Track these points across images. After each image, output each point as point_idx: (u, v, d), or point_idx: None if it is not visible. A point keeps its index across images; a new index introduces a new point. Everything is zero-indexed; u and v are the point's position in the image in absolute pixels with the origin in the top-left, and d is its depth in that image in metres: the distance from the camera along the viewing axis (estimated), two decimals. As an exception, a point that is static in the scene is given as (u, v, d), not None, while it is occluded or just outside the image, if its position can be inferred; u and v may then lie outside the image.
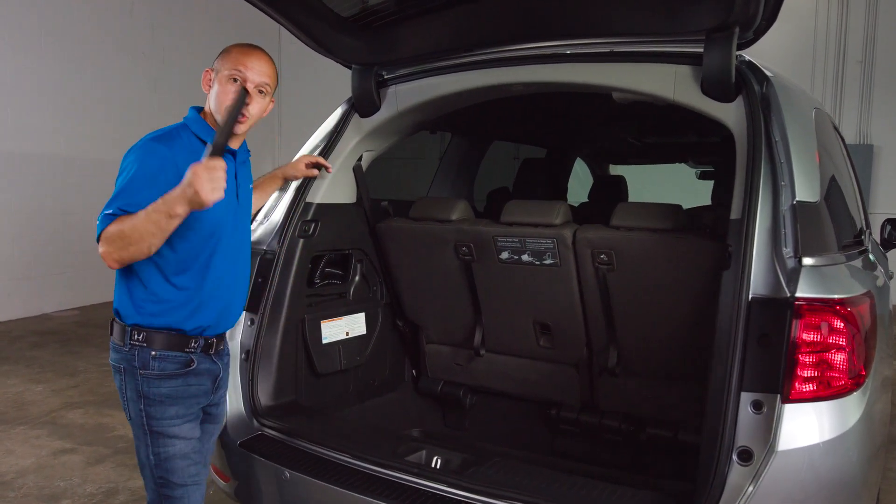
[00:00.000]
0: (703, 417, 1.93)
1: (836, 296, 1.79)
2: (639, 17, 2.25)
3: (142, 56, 8.97)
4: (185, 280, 1.97)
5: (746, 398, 1.78)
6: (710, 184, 4.35)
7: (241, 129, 2.01)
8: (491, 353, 2.96)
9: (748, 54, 2.20)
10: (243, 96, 1.91)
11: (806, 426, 1.75)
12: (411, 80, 2.69)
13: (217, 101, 2.00)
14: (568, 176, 4.95)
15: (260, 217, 2.70)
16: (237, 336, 2.52)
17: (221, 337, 2.13)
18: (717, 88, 2.12)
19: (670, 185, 6.87)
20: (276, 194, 2.69)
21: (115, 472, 3.69)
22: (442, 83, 2.63)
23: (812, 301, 1.76)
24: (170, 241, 1.87)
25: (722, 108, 2.14)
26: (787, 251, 1.83)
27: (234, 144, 2.07)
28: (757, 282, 1.83)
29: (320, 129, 2.83)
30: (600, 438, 2.82)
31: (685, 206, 3.09)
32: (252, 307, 2.51)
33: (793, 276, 1.79)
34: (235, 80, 1.99)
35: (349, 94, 2.79)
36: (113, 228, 1.82)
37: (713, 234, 2.30)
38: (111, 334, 2.03)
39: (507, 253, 2.67)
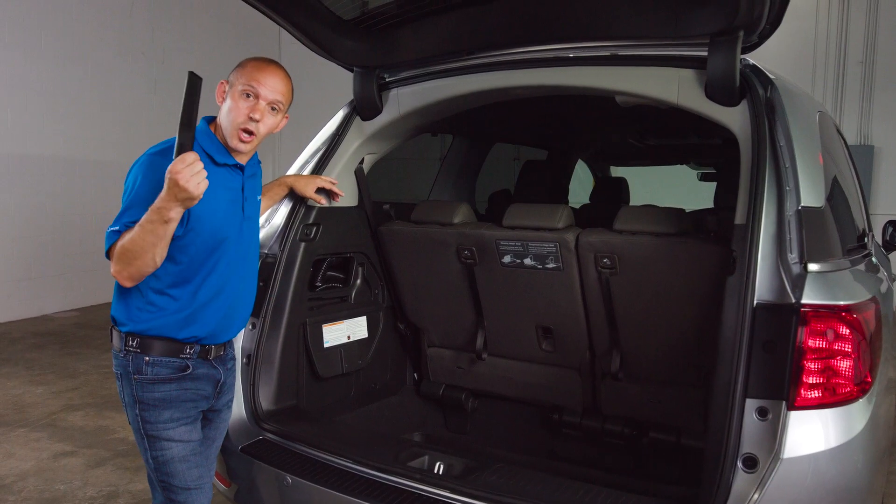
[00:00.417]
0: (707, 424, 1.92)
1: (841, 302, 1.78)
2: (642, 20, 2.24)
3: (141, 57, 8.95)
4: (180, 291, 1.97)
5: (751, 405, 1.77)
6: (712, 185, 4.35)
7: (247, 147, 2.01)
8: (493, 356, 2.95)
9: (750, 55, 2.19)
10: (194, 83, 1.80)
11: (811, 434, 1.74)
12: (413, 83, 2.68)
13: (229, 116, 1.98)
14: (569, 178, 4.94)
15: (261, 220, 2.69)
16: (238, 340, 2.51)
17: (222, 344, 2.12)
18: (721, 92, 2.11)
19: (671, 186, 6.88)
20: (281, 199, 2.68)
21: (115, 475, 3.68)
22: (444, 86, 2.62)
23: (818, 308, 1.75)
24: (172, 255, 1.87)
25: (726, 113, 2.13)
26: (793, 257, 1.82)
27: (243, 160, 2.06)
28: (762, 288, 1.82)
29: (322, 132, 2.82)
30: (603, 443, 2.82)
31: (687, 207, 3.08)
32: (253, 311, 2.49)
33: (798, 283, 1.78)
34: (248, 95, 1.97)
35: (350, 96, 2.78)
36: (118, 245, 1.83)
37: (717, 239, 2.29)
38: (111, 340, 2.04)
39: (509, 257, 2.66)
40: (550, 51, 2.44)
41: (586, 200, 4.70)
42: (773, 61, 2.36)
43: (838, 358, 1.75)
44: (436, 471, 2.25)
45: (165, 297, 1.96)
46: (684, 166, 5.61)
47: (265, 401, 2.53)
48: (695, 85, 2.17)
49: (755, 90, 2.06)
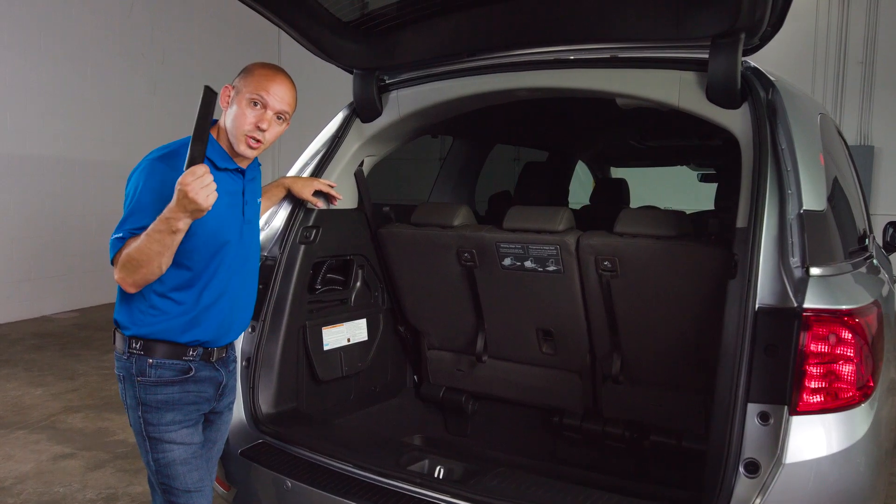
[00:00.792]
0: (709, 428, 1.91)
1: (843, 306, 1.77)
2: (643, 22, 2.23)
3: (141, 58, 8.94)
4: (184, 295, 1.97)
5: (753, 409, 1.77)
6: (712, 185, 4.34)
7: (254, 153, 2.03)
8: (493, 359, 2.94)
9: (749, 57, 2.18)
10: (209, 98, 1.84)
11: (813, 439, 1.74)
12: (413, 84, 2.68)
13: (235, 122, 1.99)
14: (570, 179, 4.94)
15: (261, 223, 2.68)
16: (238, 343, 2.50)
17: (224, 347, 2.12)
18: (722, 95, 2.10)
19: (672, 187, 6.87)
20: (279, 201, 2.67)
21: (114, 478, 3.68)
22: (444, 88, 2.61)
23: (820, 312, 1.75)
24: (175, 260, 1.88)
25: (727, 115, 2.12)
26: (795, 261, 1.81)
27: (244, 164, 2.07)
28: (764, 291, 1.81)
29: (321, 134, 2.81)
30: (603, 446, 2.81)
31: (687, 208, 3.08)
32: (253, 314, 2.50)
33: (800, 287, 1.77)
34: (256, 104, 1.98)
35: (350, 98, 2.77)
36: (123, 253, 1.85)
37: (718, 242, 2.28)
38: (114, 343, 2.05)
39: (509, 259, 2.65)
40: (551, 53, 2.43)
41: (586, 201, 4.69)
42: (772, 61, 2.35)
43: (840, 362, 1.75)
44: (436, 475, 2.24)
45: (168, 301, 1.96)
46: (684, 167, 5.60)
47: (265, 404, 2.53)
48: (696, 87, 2.16)
49: (756, 92, 2.06)
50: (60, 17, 7.86)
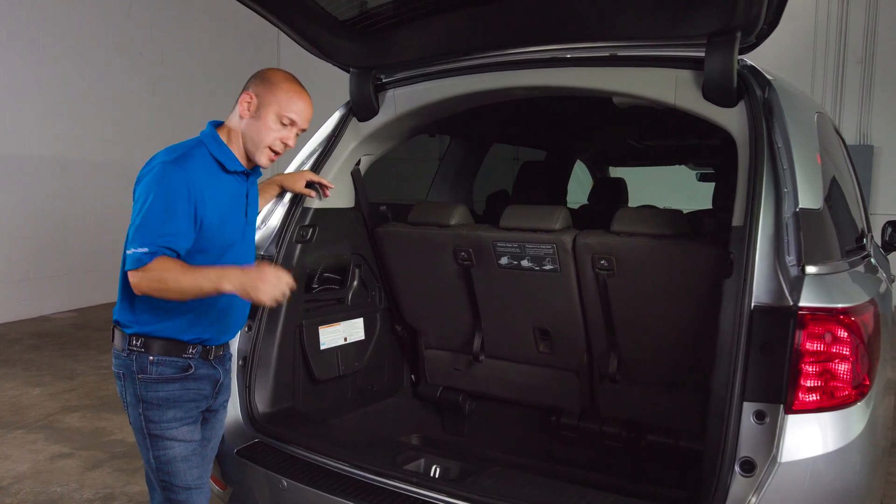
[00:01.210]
0: (704, 427, 1.91)
1: (839, 305, 1.77)
2: (640, 21, 2.22)
3: (140, 57, 8.94)
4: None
5: (749, 408, 1.76)
6: (711, 185, 4.33)
7: (270, 164, 2.10)
8: (490, 358, 2.94)
9: (749, 56, 2.17)
10: None
11: (809, 437, 1.73)
12: (410, 83, 2.67)
13: (260, 135, 2.04)
14: (568, 179, 4.93)
15: (257, 222, 2.67)
16: (234, 342, 2.49)
17: (221, 345, 2.15)
18: (718, 93, 2.10)
19: (670, 187, 6.87)
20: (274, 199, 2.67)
21: (112, 478, 3.67)
22: (441, 87, 2.61)
23: (815, 310, 1.74)
24: (183, 261, 1.89)
25: (724, 114, 2.11)
26: (790, 259, 1.80)
27: (250, 166, 2.11)
28: (759, 290, 1.81)
29: (318, 133, 2.81)
30: (601, 445, 2.80)
31: (686, 208, 3.07)
32: (249, 313, 2.49)
33: (796, 285, 1.77)
34: (284, 122, 2.04)
35: (347, 97, 2.76)
36: (157, 271, 1.82)
37: (714, 241, 2.27)
38: (112, 341, 2.06)
39: (506, 258, 2.65)
40: (547, 51, 2.42)
41: (585, 201, 4.69)
42: (772, 61, 2.35)
43: (836, 361, 1.74)
44: (432, 474, 2.24)
45: (173, 301, 1.95)
46: (683, 167, 5.59)
47: (261, 403, 2.52)
48: (692, 86, 2.15)
49: (753, 91, 2.05)
50: (60, 17, 7.86)
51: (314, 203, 2.68)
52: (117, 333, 2.03)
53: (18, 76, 7.45)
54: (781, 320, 1.76)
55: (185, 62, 9.56)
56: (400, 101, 2.68)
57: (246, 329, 2.51)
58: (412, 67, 2.66)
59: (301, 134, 2.12)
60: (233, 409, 2.46)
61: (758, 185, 1.89)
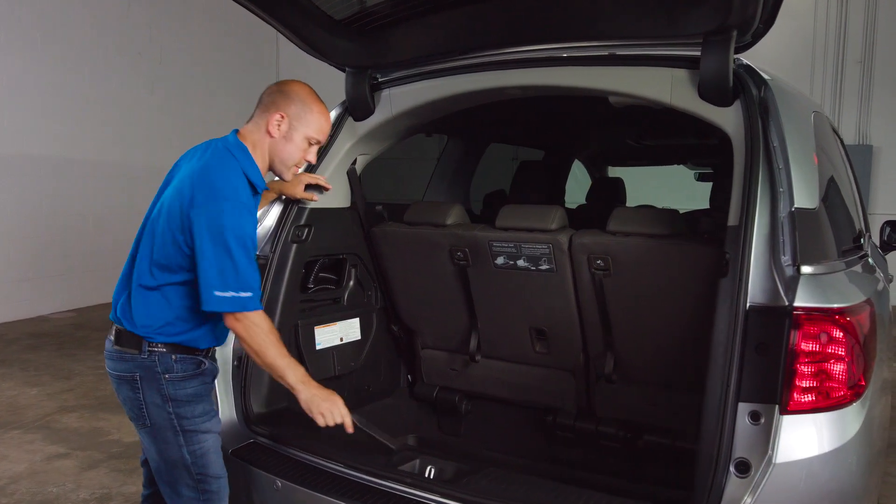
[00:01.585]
0: (699, 428, 1.90)
1: (835, 305, 1.76)
2: (635, 20, 2.22)
3: (139, 57, 8.94)
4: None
5: (744, 409, 1.76)
6: (709, 185, 4.32)
7: (292, 178, 2.25)
8: (487, 358, 2.93)
9: (747, 54, 2.17)
10: None
11: (805, 438, 1.72)
12: (406, 83, 2.66)
13: (290, 155, 2.13)
14: (565, 178, 4.92)
15: None
16: (229, 343, 2.48)
17: None
18: (714, 92, 2.09)
19: (669, 186, 6.86)
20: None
21: (108, 478, 3.67)
22: (437, 86, 2.60)
23: (811, 310, 1.73)
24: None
25: (719, 113, 2.10)
26: (786, 259, 1.80)
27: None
28: (755, 290, 1.80)
29: (314, 132, 2.79)
30: (597, 445, 2.79)
31: (685, 208, 3.06)
32: None
33: (791, 285, 1.76)
34: (310, 143, 2.15)
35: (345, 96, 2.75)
36: (262, 332, 1.99)
37: (710, 240, 2.27)
38: (118, 344, 2.05)
39: (502, 258, 2.64)
40: (543, 51, 2.42)
41: (583, 201, 4.67)
42: (771, 61, 2.34)
43: (832, 361, 1.73)
44: (427, 475, 2.23)
45: (195, 314, 2.04)
46: (682, 167, 5.58)
47: (256, 403, 2.52)
48: (688, 85, 2.15)
49: (749, 90, 2.04)
50: (58, 17, 7.85)
51: (310, 203, 2.67)
52: (128, 336, 2.03)
53: (17, 76, 7.44)
54: (776, 320, 1.75)
55: (184, 62, 9.55)
56: (396, 100, 2.68)
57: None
58: (408, 67, 2.66)
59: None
60: (228, 410, 2.45)
61: (753, 185, 1.88)
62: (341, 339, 2.87)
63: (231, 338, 2.49)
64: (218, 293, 1.91)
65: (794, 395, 1.72)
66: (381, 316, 3.10)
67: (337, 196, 2.78)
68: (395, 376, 3.24)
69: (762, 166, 1.91)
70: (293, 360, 2.05)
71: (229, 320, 1.98)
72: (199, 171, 2.00)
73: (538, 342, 2.79)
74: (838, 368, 1.74)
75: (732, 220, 1.95)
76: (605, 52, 2.31)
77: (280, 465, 2.27)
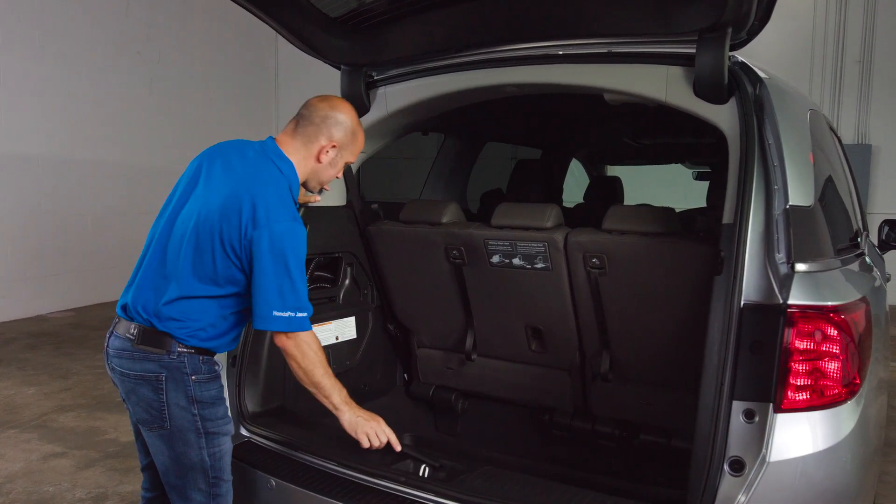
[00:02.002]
0: (694, 426, 1.89)
1: (829, 303, 1.75)
2: (630, 17, 2.21)
3: (138, 56, 8.93)
4: (237, 317, 2.10)
5: (738, 407, 1.75)
6: (707, 184, 4.31)
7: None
8: (483, 357, 2.93)
9: (746, 54, 2.16)
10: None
11: (799, 436, 1.71)
12: (401, 81, 2.66)
13: (327, 177, 2.19)
14: (563, 177, 4.91)
15: None
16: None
17: None
18: (709, 90, 2.08)
19: (667, 186, 6.85)
20: None
21: (104, 477, 3.66)
22: (432, 84, 2.59)
23: (805, 308, 1.73)
24: (242, 292, 2.03)
25: (714, 110, 2.10)
26: (780, 256, 1.79)
27: None
28: (749, 288, 1.79)
29: (309, 130, 2.78)
30: (593, 444, 2.79)
31: (683, 207, 3.05)
32: None
33: (785, 283, 1.75)
34: (346, 164, 2.22)
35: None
36: (313, 353, 2.04)
37: (706, 239, 2.26)
38: (143, 344, 1.99)
39: (498, 256, 2.63)
40: (539, 48, 2.41)
41: (581, 200, 4.67)
42: (770, 61, 2.34)
43: (826, 359, 1.73)
44: (421, 473, 2.22)
45: (227, 324, 2.08)
46: (680, 166, 5.57)
47: (251, 402, 2.51)
48: (683, 82, 2.14)
49: (744, 87, 2.03)
50: (57, 16, 7.85)
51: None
52: (157, 336, 1.98)
53: (16, 75, 7.44)
54: (771, 318, 1.74)
55: (182, 61, 9.55)
56: (391, 98, 2.67)
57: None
58: (403, 64, 2.65)
59: None
60: (223, 409, 2.44)
61: (748, 182, 1.88)
62: (337, 338, 2.86)
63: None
64: (277, 313, 1.94)
65: (789, 393, 1.71)
66: (377, 315, 3.09)
67: (332, 194, 2.77)
68: (392, 375, 3.23)
69: (757, 163, 1.90)
70: (338, 382, 2.11)
71: (281, 339, 2.00)
72: (254, 187, 1.98)
73: (534, 341, 2.79)
74: (833, 366, 1.73)
75: (727, 217, 1.94)
76: (602, 50, 2.30)
77: (274, 465, 2.26)
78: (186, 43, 9.65)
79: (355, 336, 2.95)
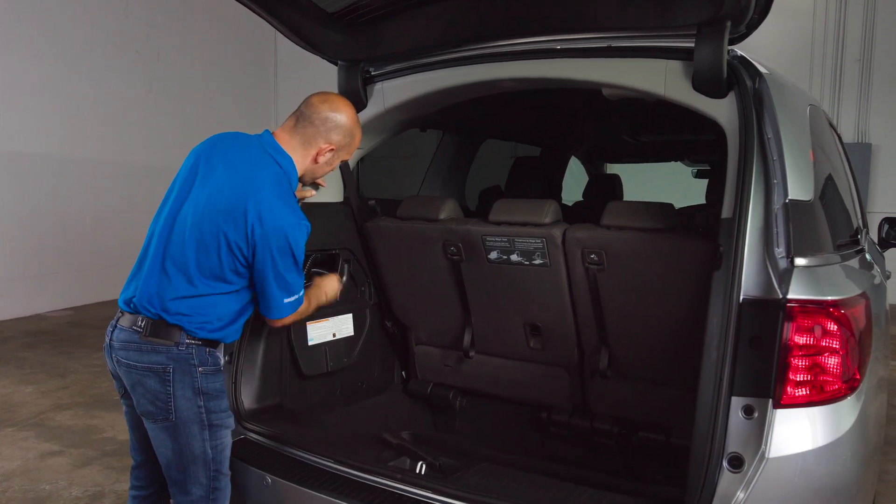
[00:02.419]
0: (693, 422, 1.87)
1: (829, 297, 1.74)
2: (628, 11, 2.20)
3: (137, 55, 8.92)
4: (245, 308, 2.14)
5: (737, 403, 1.73)
6: (707, 182, 4.30)
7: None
8: (481, 354, 2.91)
9: (747, 52, 2.14)
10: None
11: (798, 432, 1.70)
12: (399, 76, 2.64)
13: (321, 175, 2.24)
14: (562, 175, 4.90)
15: None
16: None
17: None
18: (708, 84, 2.07)
19: (666, 183, 6.83)
20: None
21: (101, 475, 3.64)
22: (430, 79, 2.58)
23: (804, 303, 1.71)
24: (248, 286, 2.09)
25: (713, 105, 2.08)
26: (780, 251, 1.77)
27: None
28: (748, 283, 1.78)
29: (306, 126, 2.77)
30: (591, 442, 2.77)
31: (682, 204, 3.03)
32: None
33: (785, 277, 1.74)
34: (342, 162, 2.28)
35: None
36: (305, 308, 2.21)
37: (705, 234, 2.24)
38: (152, 335, 2.00)
39: (495, 253, 2.62)
40: (537, 43, 2.40)
41: (581, 198, 4.65)
42: (770, 59, 2.32)
43: (826, 355, 1.71)
44: (418, 470, 2.21)
45: (236, 315, 2.11)
46: (679, 163, 5.56)
47: (248, 399, 2.50)
48: (682, 77, 2.12)
49: (743, 82, 2.02)
50: (56, 15, 7.84)
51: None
52: (167, 328, 2.00)
53: (13, 74, 7.43)
54: (770, 313, 1.73)
55: (182, 61, 9.53)
56: (388, 94, 2.66)
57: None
58: (401, 60, 2.64)
59: None
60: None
61: (747, 177, 1.86)
62: (334, 335, 2.85)
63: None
64: (287, 300, 2.08)
65: (788, 388, 1.70)
66: (375, 312, 3.07)
67: (329, 191, 2.76)
68: (389, 372, 3.22)
69: (756, 158, 1.88)
70: (310, 294, 2.26)
71: (285, 321, 2.16)
72: (257, 186, 2.00)
73: (532, 338, 2.77)
74: (832, 362, 1.72)
75: (726, 212, 1.93)
76: (600, 45, 2.28)
77: (270, 462, 2.25)
78: (186, 42, 9.63)
79: (353, 333, 2.94)
